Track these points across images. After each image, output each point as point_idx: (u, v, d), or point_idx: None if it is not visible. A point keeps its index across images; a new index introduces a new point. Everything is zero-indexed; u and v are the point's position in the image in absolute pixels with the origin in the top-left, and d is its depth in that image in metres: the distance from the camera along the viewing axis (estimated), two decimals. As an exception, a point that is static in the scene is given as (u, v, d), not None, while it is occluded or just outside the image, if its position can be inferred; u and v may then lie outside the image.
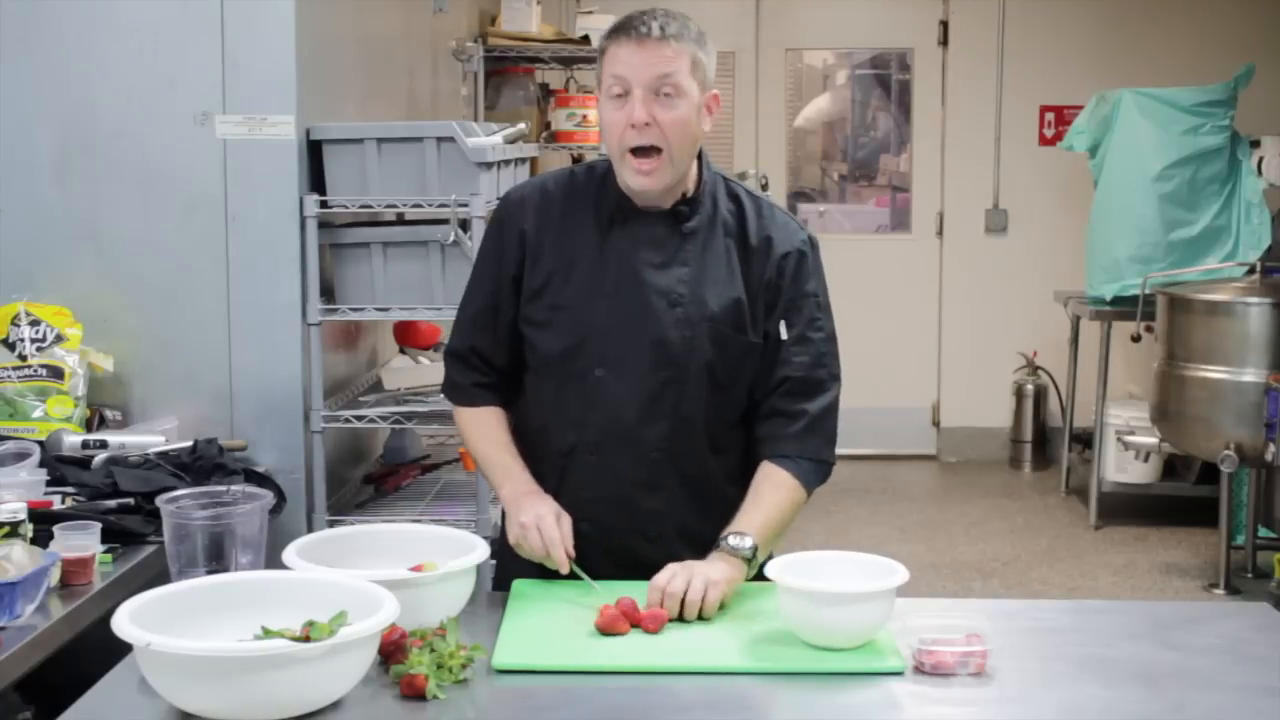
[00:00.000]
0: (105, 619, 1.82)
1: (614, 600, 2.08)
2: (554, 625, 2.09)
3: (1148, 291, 5.71)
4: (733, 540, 2.20)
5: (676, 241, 2.30)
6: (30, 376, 2.95)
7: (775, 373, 2.33)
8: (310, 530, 3.02)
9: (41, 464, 2.70)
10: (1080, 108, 6.55)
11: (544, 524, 2.22)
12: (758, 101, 7.44)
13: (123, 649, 1.84)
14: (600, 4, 6.27)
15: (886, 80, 7.84)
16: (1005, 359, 7.27)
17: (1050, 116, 7.30)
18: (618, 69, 2.21)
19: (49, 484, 2.63)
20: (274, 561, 2.17)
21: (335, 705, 1.79)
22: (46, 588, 2.23)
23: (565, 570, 2.21)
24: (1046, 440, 7.25)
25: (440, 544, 2.19)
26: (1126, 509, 6.32)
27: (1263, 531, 5.51)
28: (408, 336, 3.59)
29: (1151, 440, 5.67)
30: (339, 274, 3.18)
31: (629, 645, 2.01)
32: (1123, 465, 6.23)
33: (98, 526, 2.44)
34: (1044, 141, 7.31)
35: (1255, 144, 6.27)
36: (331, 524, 3.06)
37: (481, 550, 2.15)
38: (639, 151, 2.23)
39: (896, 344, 7.30)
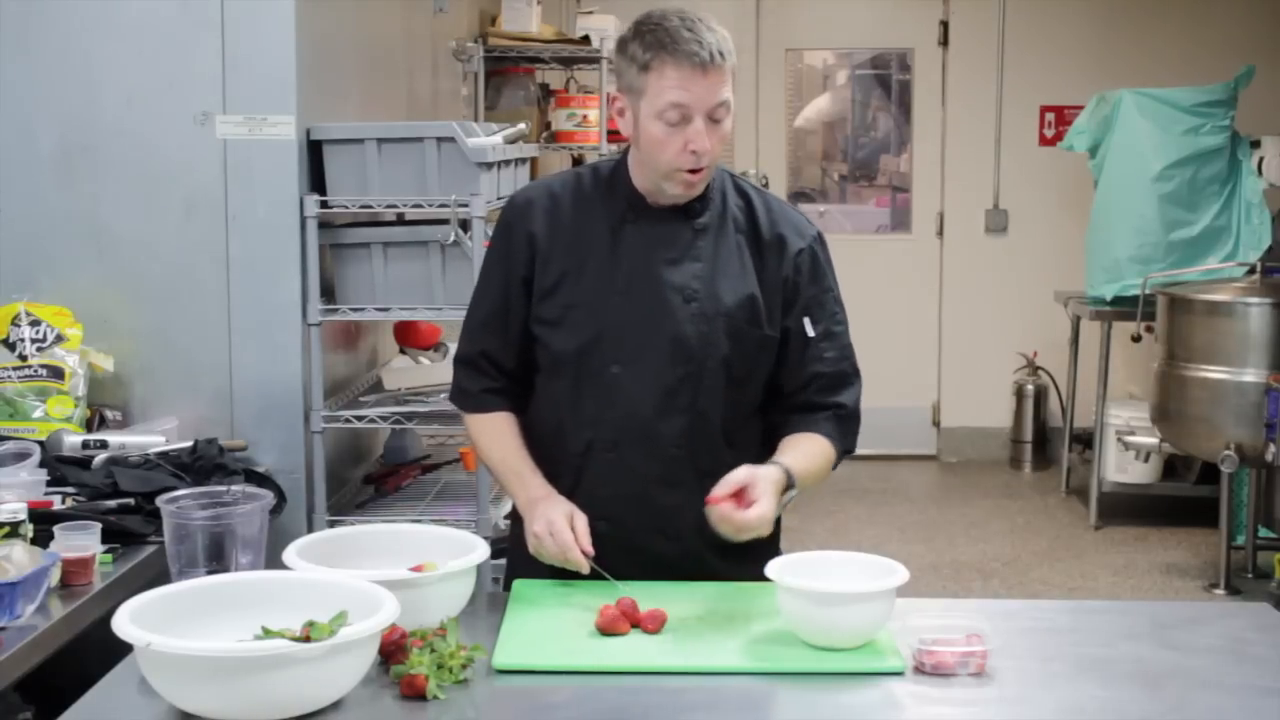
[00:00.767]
0: (105, 619, 1.82)
1: (615, 599, 2.08)
2: (554, 625, 2.09)
3: (1148, 291, 5.71)
4: (780, 465, 2.23)
5: (689, 237, 2.30)
6: (30, 376, 2.95)
7: (806, 369, 2.34)
8: (310, 530, 3.02)
9: (42, 464, 2.70)
10: (1080, 108, 6.55)
11: (555, 528, 2.21)
12: (758, 101, 7.44)
13: (123, 649, 1.84)
14: (600, 4, 6.27)
15: (886, 80, 7.84)
16: (1005, 359, 7.27)
17: (1050, 116, 7.30)
18: (678, 97, 2.17)
19: (49, 484, 2.63)
20: (274, 561, 2.17)
21: (335, 705, 1.79)
22: (47, 588, 2.23)
23: (585, 571, 2.20)
24: (1047, 440, 7.25)
25: (440, 544, 2.19)
26: (1126, 509, 6.32)
27: (1263, 531, 5.51)
28: (408, 336, 3.59)
29: (1152, 440, 5.67)
30: (339, 274, 3.19)
31: (629, 645, 2.01)
32: (1123, 465, 6.23)
33: (98, 526, 2.44)
34: (1044, 141, 7.31)
35: (1255, 144, 6.27)
36: (332, 524, 3.06)
37: (482, 550, 2.15)
38: (691, 169, 2.23)
39: (896, 344, 7.29)
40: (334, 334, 3.35)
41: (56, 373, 2.96)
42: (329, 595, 1.89)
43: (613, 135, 5.73)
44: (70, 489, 2.66)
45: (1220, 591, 5.32)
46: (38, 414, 2.92)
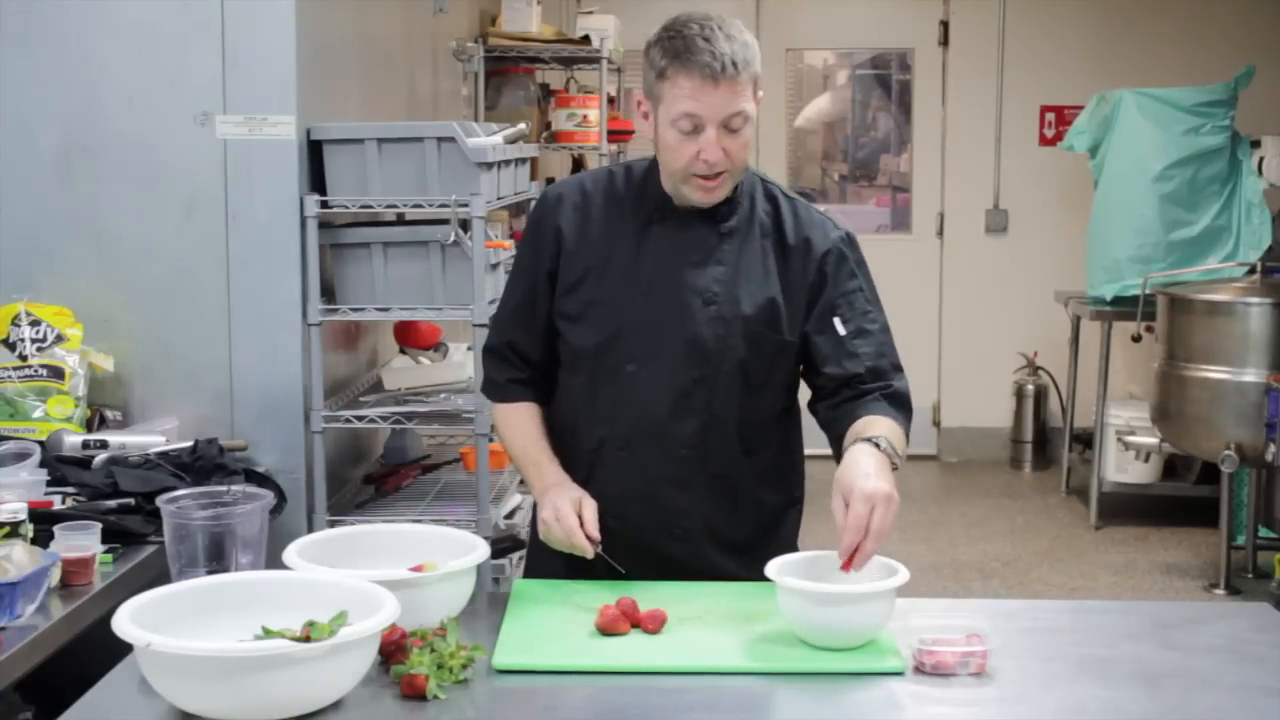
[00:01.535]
0: (105, 619, 1.82)
1: (615, 599, 2.08)
2: (554, 625, 2.09)
3: (1148, 291, 5.71)
4: (884, 444, 2.12)
5: (714, 241, 2.31)
6: (31, 376, 2.95)
7: (845, 365, 2.30)
8: (310, 530, 3.02)
9: (42, 464, 2.70)
10: (1080, 108, 6.55)
11: (561, 514, 2.22)
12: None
13: (123, 649, 1.84)
14: (600, 4, 6.27)
15: (887, 80, 7.84)
16: (1005, 359, 7.27)
17: (1050, 116, 7.30)
18: (689, 107, 2.17)
19: (49, 484, 2.63)
20: (274, 561, 2.17)
21: (335, 705, 1.79)
22: (47, 588, 2.23)
23: (590, 554, 2.21)
24: (1047, 440, 7.25)
25: (440, 544, 2.19)
26: (1127, 509, 6.32)
27: (1263, 531, 5.52)
28: (408, 336, 3.59)
29: (1152, 440, 5.67)
30: (339, 274, 3.18)
31: (629, 645, 2.01)
32: (1123, 465, 6.23)
33: (98, 526, 2.43)
34: (1044, 141, 7.31)
35: (1255, 144, 6.27)
36: (332, 524, 3.06)
37: (482, 550, 2.15)
38: (706, 175, 2.23)
39: (897, 344, 7.27)
40: (334, 334, 3.35)
41: (57, 373, 2.96)
42: (329, 595, 1.89)
43: (613, 135, 5.73)
44: (70, 489, 2.66)
45: (1220, 591, 5.32)
46: (38, 414, 2.92)
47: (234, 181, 3.06)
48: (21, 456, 2.67)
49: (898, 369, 2.35)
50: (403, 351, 3.63)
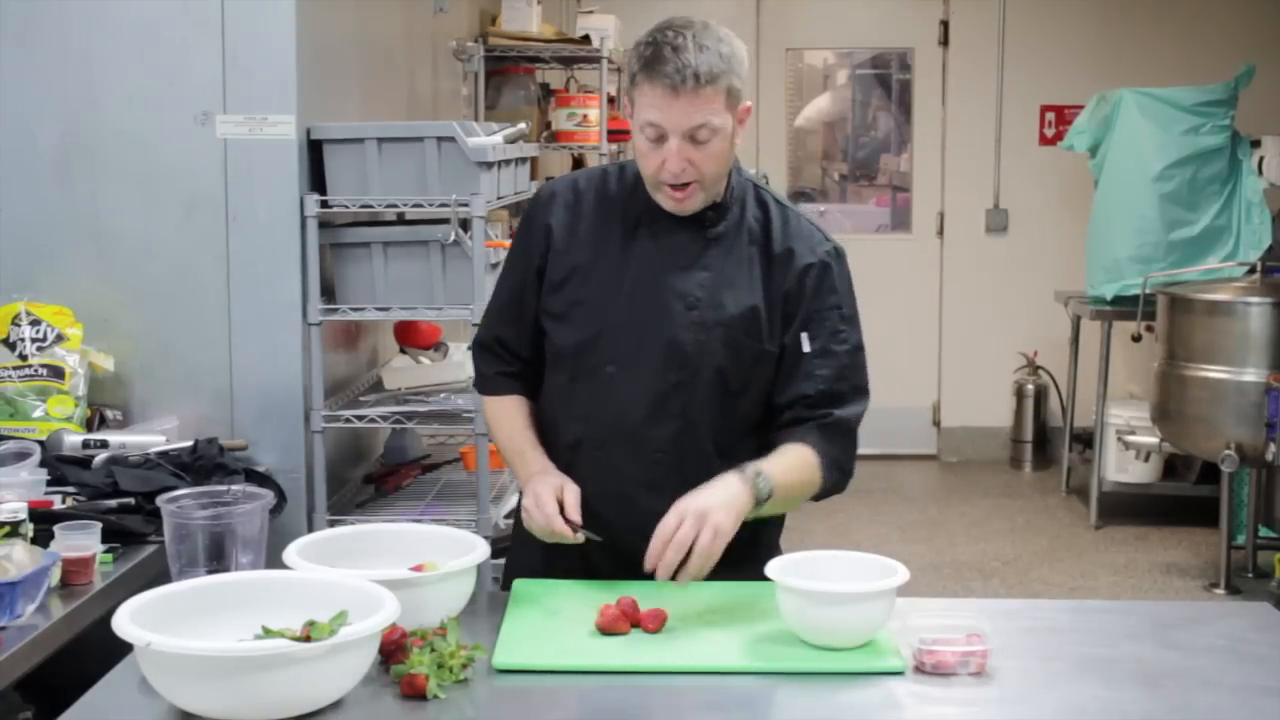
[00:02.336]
0: (105, 619, 1.82)
1: (615, 599, 2.08)
2: (554, 625, 2.09)
3: (1148, 291, 5.71)
4: (750, 471, 2.17)
5: (701, 246, 2.31)
6: (31, 376, 2.95)
7: (798, 385, 2.30)
8: (310, 530, 3.02)
9: (42, 464, 2.70)
10: (1080, 108, 6.55)
11: (541, 500, 2.22)
12: (758, 101, 7.43)
13: (123, 649, 1.84)
14: (600, 4, 6.27)
15: (887, 80, 7.84)
16: (1005, 359, 7.28)
17: (1050, 116, 7.30)
18: (651, 115, 2.18)
19: (49, 484, 2.63)
20: (274, 561, 2.17)
21: (335, 705, 1.79)
22: (47, 587, 2.23)
23: (571, 537, 2.20)
24: (1047, 440, 7.25)
25: (440, 544, 2.19)
26: (1127, 509, 6.32)
27: (1263, 531, 5.52)
28: (408, 336, 3.59)
29: (1152, 440, 5.67)
30: (339, 274, 3.19)
31: (629, 645, 2.01)
32: (1123, 465, 6.23)
33: (98, 526, 2.44)
34: (1044, 141, 7.31)
35: (1255, 144, 6.27)
36: (332, 524, 3.06)
37: (482, 550, 2.15)
38: (674, 185, 2.24)
39: (896, 344, 7.29)
40: (334, 334, 3.35)
41: (57, 372, 2.96)
42: (329, 595, 1.89)
43: (613, 135, 5.73)
44: (70, 489, 2.66)
45: (1220, 591, 5.32)
46: (38, 414, 2.92)
47: (234, 181, 3.07)
48: (21, 456, 2.67)
49: (858, 391, 2.34)
50: (403, 351, 3.63)
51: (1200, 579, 5.50)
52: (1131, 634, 2.12)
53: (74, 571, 2.34)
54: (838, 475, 2.32)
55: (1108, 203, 6.25)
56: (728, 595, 2.20)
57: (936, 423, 7.54)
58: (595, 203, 2.36)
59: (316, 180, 3.12)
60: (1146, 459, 6.11)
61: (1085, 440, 6.66)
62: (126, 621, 1.76)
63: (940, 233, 7.48)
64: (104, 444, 2.85)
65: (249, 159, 3.06)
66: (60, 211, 3.08)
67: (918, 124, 7.51)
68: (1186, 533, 6.08)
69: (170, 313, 3.10)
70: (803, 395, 2.30)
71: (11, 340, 2.98)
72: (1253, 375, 5.05)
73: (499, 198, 3.33)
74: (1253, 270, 5.54)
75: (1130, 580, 5.55)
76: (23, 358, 2.97)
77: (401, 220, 3.39)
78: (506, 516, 3.52)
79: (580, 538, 2.21)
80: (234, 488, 2.41)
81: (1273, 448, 4.88)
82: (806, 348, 2.30)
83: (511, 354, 2.43)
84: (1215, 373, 5.15)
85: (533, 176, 4.45)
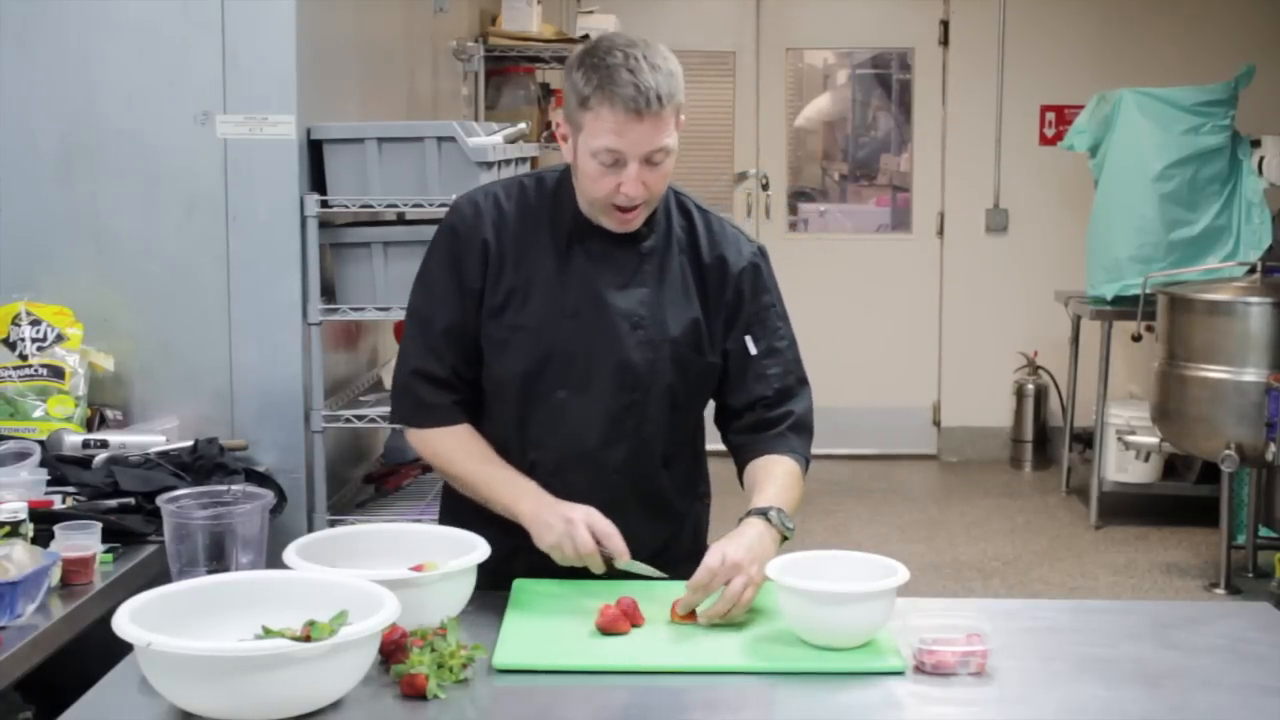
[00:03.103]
0: (105, 619, 1.82)
1: (615, 598, 2.08)
2: (554, 625, 2.09)
3: (1148, 291, 5.71)
4: (774, 515, 2.17)
5: (635, 262, 2.28)
6: (31, 376, 2.96)
7: (752, 387, 2.32)
8: (311, 530, 3.02)
9: (42, 464, 2.70)
10: (1080, 108, 6.55)
11: (577, 536, 2.15)
12: (758, 101, 7.43)
13: (123, 649, 1.84)
14: (600, 4, 6.27)
15: (887, 80, 7.84)
16: (1005, 359, 7.27)
17: (1050, 116, 7.29)
18: (611, 142, 2.11)
19: (50, 484, 2.63)
20: (274, 561, 2.17)
21: (335, 705, 1.79)
22: (47, 587, 2.23)
23: (624, 563, 2.16)
24: (1047, 440, 7.24)
25: (440, 544, 2.19)
26: (1127, 509, 6.32)
27: (1263, 531, 5.51)
28: (408, 336, 3.59)
29: (1152, 440, 5.66)
30: (339, 274, 3.19)
31: (629, 645, 2.01)
32: (1123, 465, 6.23)
33: (98, 526, 2.44)
34: (1044, 141, 7.31)
35: (1256, 144, 6.27)
36: (332, 524, 3.06)
37: (482, 550, 2.15)
38: (624, 207, 2.20)
39: (896, 344, 7.29)
40: (334, 334, 3.35)
41: (57, 372, 2.96)
42: (329, 595, 1.89)
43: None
44: (70, 488, 2.66)
45: (1220, 591, 5.32)
46: (38, 413, 2.93)
47: (234, 181, 3.07)
48: (22, 456, 2.67)
49: (803, 383, 2.37)
50: (403, 351, 3.62)
51: (1200, 579, 5.50)
52: (1131, 634, 2.12)
53: (74, 571, 2.34)
54: (805, 470, 2.36)
55: (1108, 203, 6.25)
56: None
57: (936, 423, 7.54)
58: (520, 218, 2.28)
59: (316, 180, 3.12)
60: (1146, 459, 6.11)
61: (1085, 440, 6.66)
62: (126, 621, 1.76)
63: (940, 233, 7.48)
64: (104, 444, 2.85)
65: (249, 159, 3.06)
66: (60, 211, 3.08)
67: (918, 124, 7.51)
68: (1186, 533, 6.07)
69: (170, 313, 3.10)
70: (760, 397, 2.32)
71: (11, 340, 2.98)
72: (1253, 375, 5.04)
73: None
74: (1253, 270, 5.53)
75: (1130, 580, 5.55)
76: (23, 358, 2.97)
77: (401, 220, 3.39)
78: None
79: (621, 562, 2.18)
80: (234, 488, 2.41)
81: (1273, 448, 4.88)
82: (753, 350, 2.32)
83: (462, 380, 2.30)
84: (1215, 373, 5.15)
85: (533, 176, 4.44)
